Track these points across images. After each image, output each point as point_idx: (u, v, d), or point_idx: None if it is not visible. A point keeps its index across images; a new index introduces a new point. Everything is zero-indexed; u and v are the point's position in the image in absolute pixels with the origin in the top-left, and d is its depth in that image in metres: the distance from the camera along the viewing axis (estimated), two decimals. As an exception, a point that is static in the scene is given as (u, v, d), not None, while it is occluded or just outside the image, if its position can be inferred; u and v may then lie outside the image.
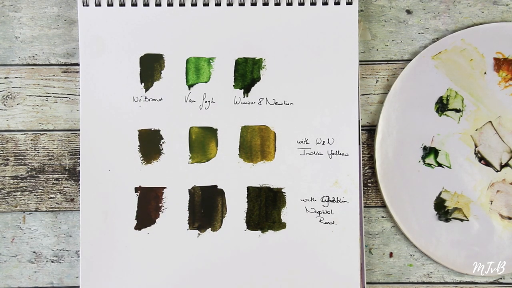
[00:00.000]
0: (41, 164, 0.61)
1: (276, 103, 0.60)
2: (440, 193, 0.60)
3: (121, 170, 0.59)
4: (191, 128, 0.60)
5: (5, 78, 0.61)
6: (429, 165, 0.60)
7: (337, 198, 0.59)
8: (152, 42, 0.60)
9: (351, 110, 0.59)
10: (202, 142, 0.60)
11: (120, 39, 0.59)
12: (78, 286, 0.61)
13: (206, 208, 0.59)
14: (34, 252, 0.61)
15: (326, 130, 0.59)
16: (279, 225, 0.59)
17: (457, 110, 0.60)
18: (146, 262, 0.59)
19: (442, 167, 0.60)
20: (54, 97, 0.61)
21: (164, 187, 0.59)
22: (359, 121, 0.59)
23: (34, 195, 0.61)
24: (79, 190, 0.61)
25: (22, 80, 0.61)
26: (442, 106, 0.60)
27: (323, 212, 0.59)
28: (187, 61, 0.60)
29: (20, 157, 0.61)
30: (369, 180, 0.62)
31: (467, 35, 0.60)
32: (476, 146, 0.60)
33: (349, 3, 0.59)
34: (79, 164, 0.61)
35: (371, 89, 0.61)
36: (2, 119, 0.61)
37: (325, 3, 0.59)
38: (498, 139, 0.60)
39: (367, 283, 0.61)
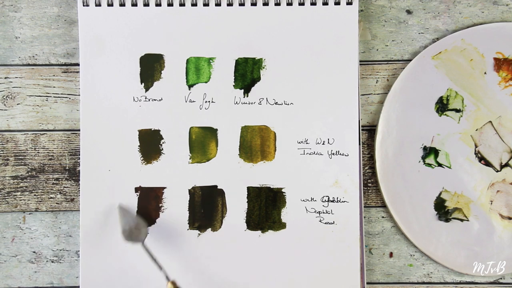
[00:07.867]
0: (41, 164, 0.61)
1: (276, 103, 0.60)
2: (440, 193, 0.60)
3: (121, 170, 0.59)
4: (191, 128, 0.60)
5: (5, 78, 0.61)
6: (429, 165, 0.60)
7: (337, 198, 0.59)
8: (152, 42, 0.59)
9: (351, 110, 0.59)
10: (202, 142, 0.60)
11: (120, 39, 0.59)
12: (78, 286, 0.61)
13: (206, 208, 0.59)
14: (34, 252, 0.61)
15: (326, 130, 0.59)
16: (279, 225, 0.59)
17: (457, 110, 0.60)
18: (146, 262, 0.59)
19: (442, 167, 0.60)
20: (54, 97, 0.61)
21: (164, 187, 0.59)
22: (359, 121, 0.59)
23: (34, 195, 0.61)
24: (79, 190, 0.61)
25: (22, 80, 0.61)
26: (442, 106, 0.60)
27: (323, 212, 0.59)
28: (187, 61, 0.60)
29: (20, 157, 0.61)
30: (369, 180, 0.62)
31: (467, 35, 0.60)
32: (476, 146, 0.60)
33: (349, 3, 0.59)
34: (79, 164, 0.61)
35: (371, 89, 0.61)
36: (2, 119, 0.61)
37: (325, 3, 0.59)
38: (498, 139, 0.60)
39: (367, 283, 0.61)
